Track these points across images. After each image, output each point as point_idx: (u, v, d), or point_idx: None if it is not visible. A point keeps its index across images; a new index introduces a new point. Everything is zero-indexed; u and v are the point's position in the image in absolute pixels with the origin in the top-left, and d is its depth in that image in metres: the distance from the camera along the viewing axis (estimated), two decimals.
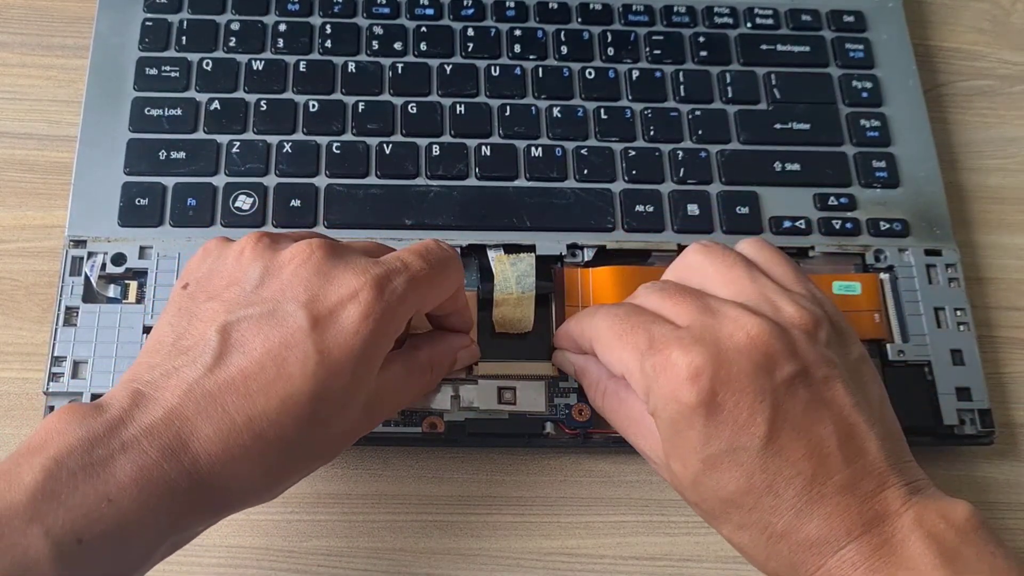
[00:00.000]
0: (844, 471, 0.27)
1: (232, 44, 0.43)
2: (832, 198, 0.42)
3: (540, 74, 0.43)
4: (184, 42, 0.43)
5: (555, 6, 0.45)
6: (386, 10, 0.45)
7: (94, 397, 0.35)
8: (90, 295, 0.37)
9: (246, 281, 0.29)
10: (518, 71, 0.43)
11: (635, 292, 0.33)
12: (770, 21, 0.46)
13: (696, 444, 0.28)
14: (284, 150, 0.40)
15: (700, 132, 0.43)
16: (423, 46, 0.44)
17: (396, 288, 0.29)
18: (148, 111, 0.41)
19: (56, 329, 0.36)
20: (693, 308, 0.30)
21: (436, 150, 0.41)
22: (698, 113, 0.43)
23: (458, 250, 0.38)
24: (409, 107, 0.42)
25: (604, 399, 0.34)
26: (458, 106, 0.42)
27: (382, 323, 0.28)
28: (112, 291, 0.37)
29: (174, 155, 0.40)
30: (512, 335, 0.38)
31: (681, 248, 0.40)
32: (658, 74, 0.44)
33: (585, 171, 0.41)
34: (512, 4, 0.45)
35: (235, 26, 0.43)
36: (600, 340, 0.32)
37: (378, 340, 0.28)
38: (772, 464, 0.27)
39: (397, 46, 0.44)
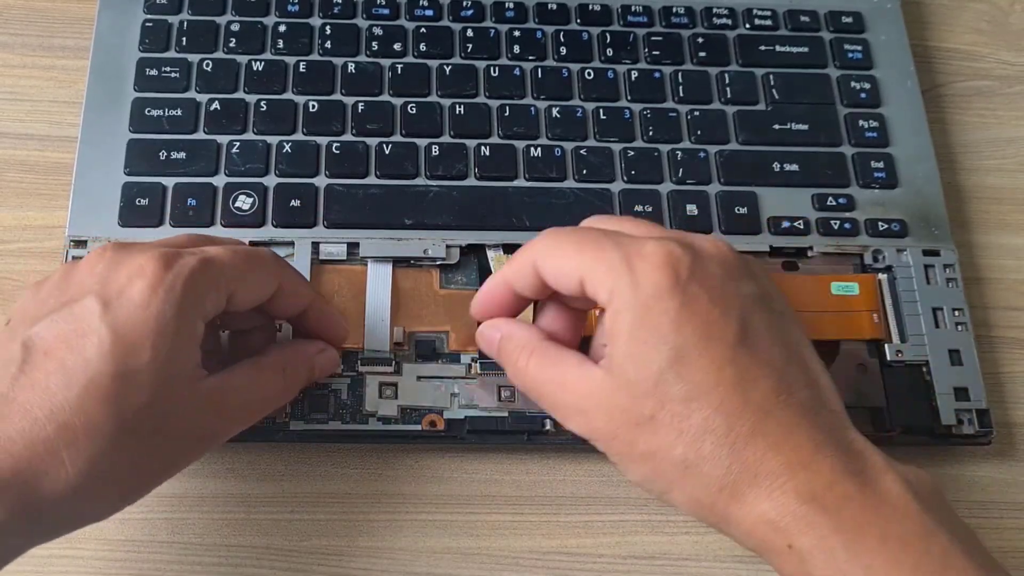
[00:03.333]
0: (806, 392, 0.27)
1: (232, 45, 0.43)
2: (831, 198, 0.42)
3: (539, 75, 0.44)
4: (184, 43, 0.43)
5: (554, 7, 0.45)
6: (386, 11, 0.45)
7: None
8: None
9: (48, 295, 0.29)
10: (517, 72, 0.44)
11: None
12: (768, 22, 0.46)
13: (667, 330, 0.27)
14: (284, 150, 0.41)
15: (699, 132, 0.43)
16: (422, 47, 0.44)
17: (187, 263, 0.28)
18: (148, 111, 0.41)
19: None
20: (653, 227, 0.30)
21: (436, 150, 0.41)
22: (697, 113, 0.43)
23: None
24: (409, 107, 0.42)
25: (531, 359, 0.31)
26: (457, 106, 0.42)
27: (173, 294, 0.28)
28: None
29: (174, 155, 0.40)
30: None
31: None
32: (657, 75, 0.44)
33: (584, 171, 0.41)
34: (511, 5, 0.45)
35: (235, 27, 0.43)
36: (550, 255, 0.30)
37: (174, 312, 0.28)
38: (742, 360, 0.27)
39: (397, 47, 0.44)
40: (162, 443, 0.28)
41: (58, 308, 0.28)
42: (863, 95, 0.44)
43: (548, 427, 0.37)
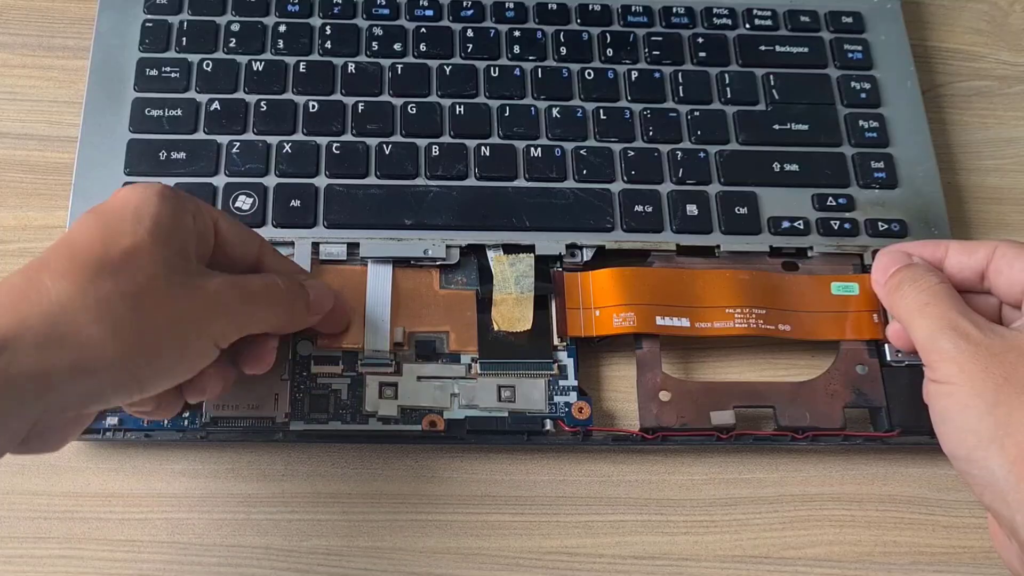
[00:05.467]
0: None
1: (232, 45, 0.43)
2: (830, 199, 0.42)
3: (539, 75, 0.44)
4: (184, 43, 0.43)
5: (554, 7, 0.46)
6: (386, 11, 0.45)
7: None
8: None
9: None
10: (517, 72, 0.44)
11: None
12: (769, 22, 0.46)
13: None
14: (284, 150, 0.41)
15: (699, 132, 0.43)
16: (423, 47, 0.44)
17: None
18: (148, 112, 0.41)
19: None
20: None
21: (436, 150, 0.41)
22: (697, 114, 0.43)
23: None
24: (409, 108, 0.42)
25: (943, 284, 0.34)
26: (457, 107, 0.42)
27: (167, 189, 0.30)
28: None
29: (174, 155, 0.40)
30: (511, 334, 0.38)
31: (680, 248, 0.40)
32: (657, 75, 0.44)
33: (584, 171, 0.41)
34: (511, 5, 0.45)
35: (235, 27, 0.43)
36: (1016, 248, 0.34)
37: (171, 193, 0.30)
38: None
39: (397, 47, 0.44)
40: (157, 303, 0.28)
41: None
42: (863, 95, 0.44)
43: (548, 427, 0.37)
